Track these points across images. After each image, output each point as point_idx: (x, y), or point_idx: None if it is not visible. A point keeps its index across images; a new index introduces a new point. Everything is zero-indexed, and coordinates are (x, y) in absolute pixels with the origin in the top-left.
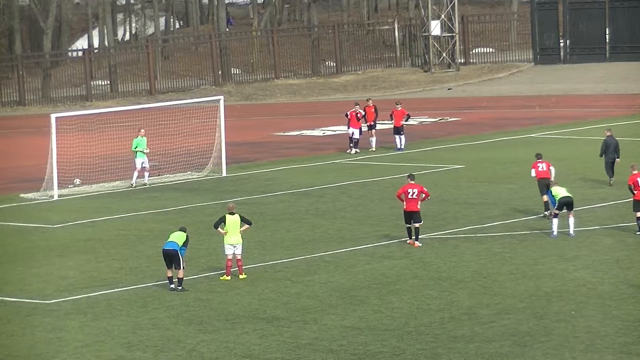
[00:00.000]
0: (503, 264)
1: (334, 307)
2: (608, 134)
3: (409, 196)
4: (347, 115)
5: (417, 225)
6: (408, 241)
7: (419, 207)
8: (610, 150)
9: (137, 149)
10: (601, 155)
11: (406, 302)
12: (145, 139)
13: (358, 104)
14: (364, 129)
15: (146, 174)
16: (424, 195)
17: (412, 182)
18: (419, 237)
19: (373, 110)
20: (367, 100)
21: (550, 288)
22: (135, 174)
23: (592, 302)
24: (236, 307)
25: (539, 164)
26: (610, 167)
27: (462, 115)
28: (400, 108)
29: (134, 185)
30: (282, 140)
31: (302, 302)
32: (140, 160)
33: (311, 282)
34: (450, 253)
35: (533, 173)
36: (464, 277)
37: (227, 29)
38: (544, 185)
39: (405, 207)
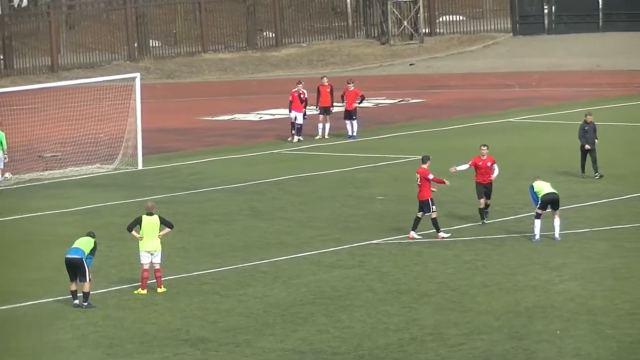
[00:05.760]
0: (475, 274)
1: (272, 327)
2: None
3: (416, 181)
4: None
5: (432, 215)
6: (438, 235)
7: (429, 194)
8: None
9: None
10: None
11: (359, 321)
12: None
13: (301, 83)
14: (315, 112)
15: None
16: (432, 179)
17: (423, 165)
18: (416, 228)
19: (329, 90)
20: (322, 78)
21: (532, 303)
22: None
23: (581, 319)
24: (153, 327)
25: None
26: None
27: (427, 96)
28: (352, 88)
29: None
30: (211, 127)
31: (233, 321)
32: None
33: (244, 297)
34: (411, 261)
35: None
36: (428, 290)
37: None
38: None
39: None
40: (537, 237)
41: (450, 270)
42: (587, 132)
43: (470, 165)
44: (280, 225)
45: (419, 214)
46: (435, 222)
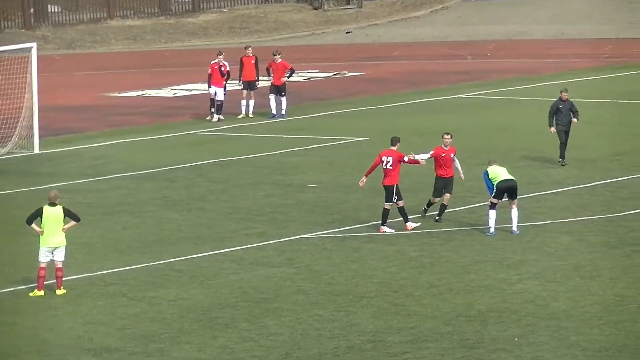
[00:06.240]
0: (421, 273)
1: (188, 334)
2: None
3: (384, 166)
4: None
5: (399, 203)
6: (380, 228)
7: (397, 179)
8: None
9: None
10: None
11: (287, 326)
12: None
13: (222, 54)
14: (238, 87)
15: None
16: (407, 161)
17: (393, 147)
18: (408, 218)
19: (253, 62)
20: (246, 48)
21: (486, 306)
22: None
23: (542, 324)
24: (52, 334)
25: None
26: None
27: (366, 68)
28: (279, 60)
29: None
30: (118, 104)
31: (143, 327)
32: None
33: (156, 300)
34: (348, 258)
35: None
36: (367, 291)
37: None
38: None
39: (382, 180)
40: (492, 230)
41: (393, 268)
42: (562, 112)
43: (432, 156)
44: (197, 217)
45: (386, 205)
46: (386, 214)
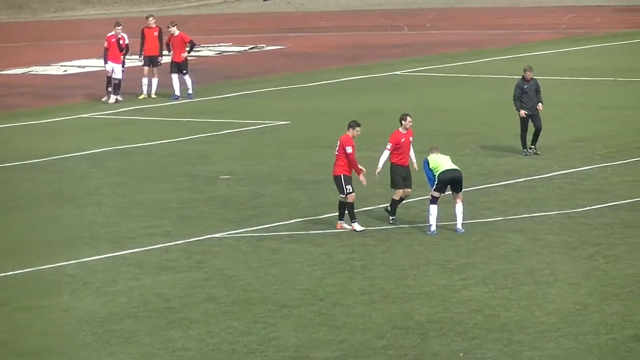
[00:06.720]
0: (351, 279)
1: (82, 348)
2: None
3: (334, 151)
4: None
5: (348, 199)
6: (351, 225)
7: (344, 169)
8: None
9: None
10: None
11: (196, 340)
12: None
13: (120, 25)
14: (139, 63)
15: None
16: (349, 154)
17: (347, 132)
18: (343, 217)
19: (156, 34)
20: (147, 18)
21: (426, 316)
22: None
23: (491, 337)
24: None
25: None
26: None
27: (289, 41)
28: (177, 33)
29: None
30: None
31: (30, 342)
32: None
33: (46, 310)
34: (266, 261)
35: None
36: (288, 299)
37: None
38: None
39: None
40: (433, 228)
41: (318, 272)
42: (527, 93)
43: (392, 149)
44: (91, 214)
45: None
46: (345, 208)
